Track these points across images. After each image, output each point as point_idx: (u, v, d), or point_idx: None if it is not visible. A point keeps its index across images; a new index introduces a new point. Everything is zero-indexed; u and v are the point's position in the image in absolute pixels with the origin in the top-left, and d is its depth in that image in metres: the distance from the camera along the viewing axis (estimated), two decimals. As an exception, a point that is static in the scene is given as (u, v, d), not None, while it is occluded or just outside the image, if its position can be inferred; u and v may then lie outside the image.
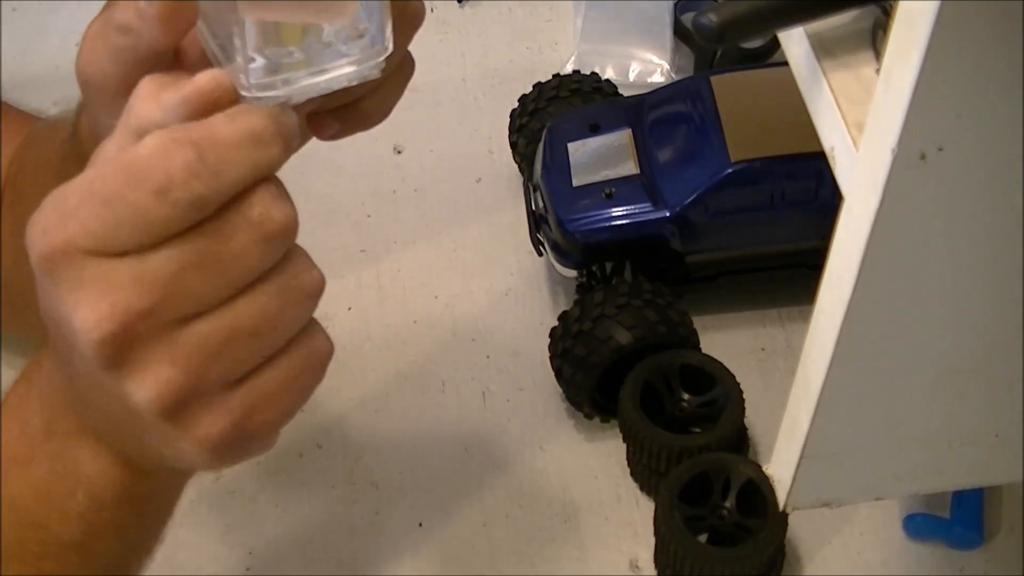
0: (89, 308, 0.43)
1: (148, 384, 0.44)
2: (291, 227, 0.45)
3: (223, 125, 0.43)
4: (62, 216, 0.43)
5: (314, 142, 0.56)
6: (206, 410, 0.45)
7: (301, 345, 0.47)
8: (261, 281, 0.45)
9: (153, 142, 0.43)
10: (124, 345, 0.43)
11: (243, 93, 0.44)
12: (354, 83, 0.46)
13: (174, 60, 0.49)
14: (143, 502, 0.51)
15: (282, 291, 0.45)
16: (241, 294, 0.45)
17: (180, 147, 0.42)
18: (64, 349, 0.46)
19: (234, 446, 0.46)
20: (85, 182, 0.43)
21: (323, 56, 0.44)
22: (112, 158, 0.44)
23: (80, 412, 0.48)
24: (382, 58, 0.45)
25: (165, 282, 0.43)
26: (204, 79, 0.44)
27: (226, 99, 0.44)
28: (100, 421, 0.48)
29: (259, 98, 0.44)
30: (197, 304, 0.44)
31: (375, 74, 0.46)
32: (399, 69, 0.55)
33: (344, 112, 0.55)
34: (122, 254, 0.43)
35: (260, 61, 0.44)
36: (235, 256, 0.44)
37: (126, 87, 0.47)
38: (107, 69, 0.49)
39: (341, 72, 0.45)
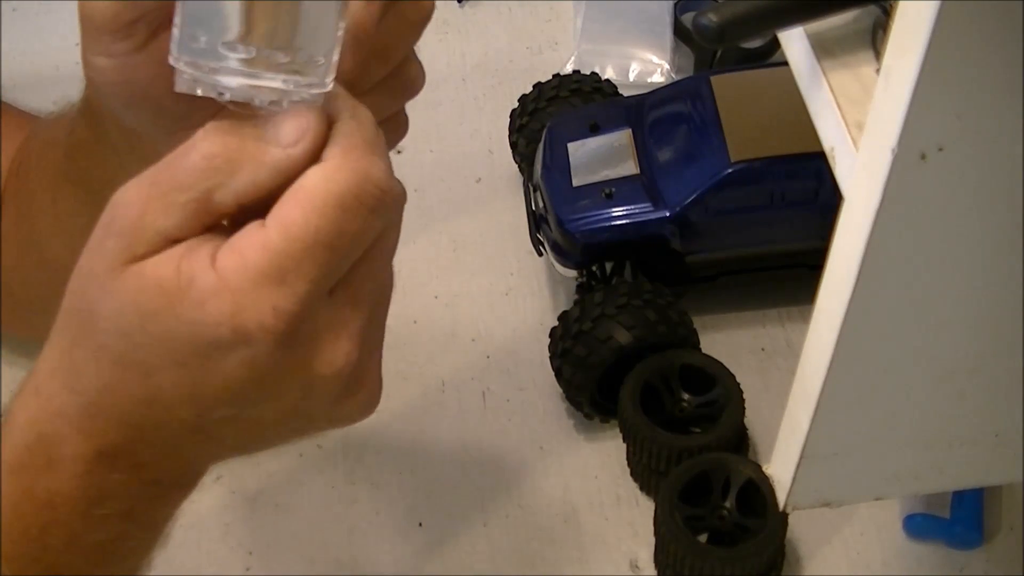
0: (338, 348, 0.44)
1: (376, 387, 0.47)
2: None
3: (357, 122, 0.44)
4: (279, 287, 0.42)
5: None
6: (376, 371, 0.47)
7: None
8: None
9: (345, 174, 0.42)
10: (360, 361, 0.45)
11: (170, 62, 0.43)
12: (281, 101, 0.45)
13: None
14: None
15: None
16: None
17: (373, 159, 0.43)
18: (242, 399, 0.45)
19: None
20: (278, 244, 0.42)
21: (259, 64, 0.44)
22: (302, 201, 0.42)
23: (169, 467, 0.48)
24: (317, 91, 0.44)
25: (373, 291, 0.45)
26: (314, 122, 0.43)
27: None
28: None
29: (185, 73, 0.43)
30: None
31: None
32: (386, 126, 0.53)
33: None
34: (335, 285, 0.44)
35: (203, 43, 0.43)
36: (397, 236, 0.45)
37: (116, 25, 0.48)
38: (103, 5, 0.49)
39: (270, 85, 0.44)
